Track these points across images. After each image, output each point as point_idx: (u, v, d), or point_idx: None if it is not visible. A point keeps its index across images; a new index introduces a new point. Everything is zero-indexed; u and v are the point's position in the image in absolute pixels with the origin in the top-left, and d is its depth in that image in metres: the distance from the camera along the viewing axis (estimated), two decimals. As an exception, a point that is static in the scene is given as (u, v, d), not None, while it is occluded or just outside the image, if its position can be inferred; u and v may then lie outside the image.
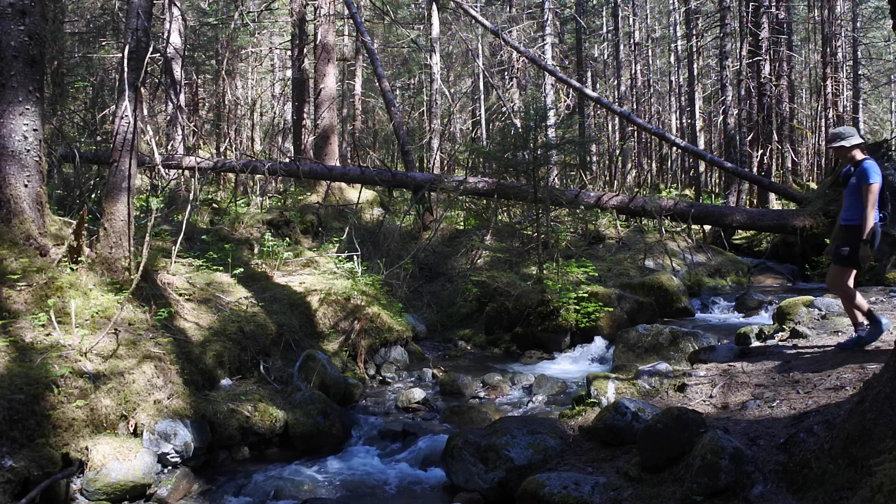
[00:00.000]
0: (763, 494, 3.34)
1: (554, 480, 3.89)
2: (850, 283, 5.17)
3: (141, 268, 5.82)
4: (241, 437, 5.34)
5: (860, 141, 5.09)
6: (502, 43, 17.43)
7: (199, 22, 20.52)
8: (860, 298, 5.24)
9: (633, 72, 26.22)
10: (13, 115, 5.65)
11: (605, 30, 29.35)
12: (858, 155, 5.11)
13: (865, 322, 5.22)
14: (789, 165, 21.32)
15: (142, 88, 6.42)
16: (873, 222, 4.94)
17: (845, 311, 5.49)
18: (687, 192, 23.68)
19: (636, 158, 26.43)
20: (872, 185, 4.88)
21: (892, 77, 34.16)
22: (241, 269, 7.95)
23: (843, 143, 5.08)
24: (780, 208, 16.04)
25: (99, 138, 12.62)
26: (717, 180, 28.07)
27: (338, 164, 14.42)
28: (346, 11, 16.33)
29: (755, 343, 6.53)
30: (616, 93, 26.46)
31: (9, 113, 5.64)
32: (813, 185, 19.41)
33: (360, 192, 12.86)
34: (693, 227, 12.41)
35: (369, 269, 9.23)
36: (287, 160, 12.97)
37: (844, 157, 5.18)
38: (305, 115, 15.55)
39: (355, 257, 9.04)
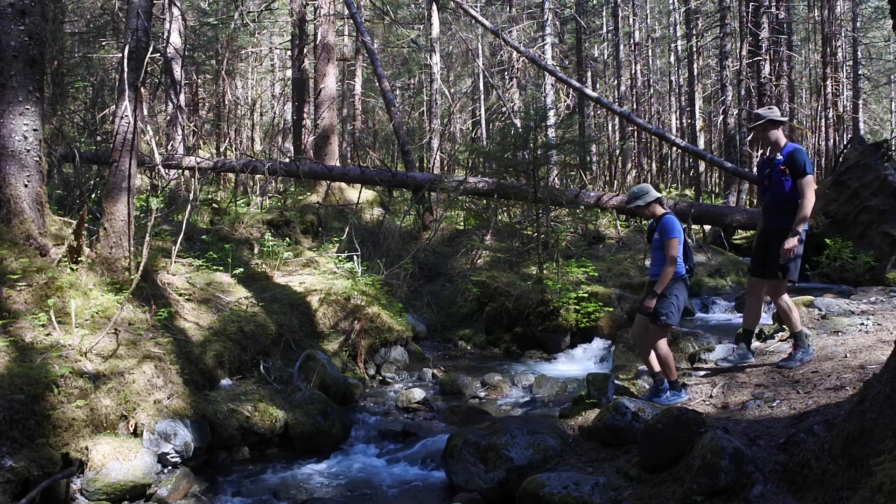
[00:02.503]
0: (763, 494, 3.34)
1: (554, 480, 3.89)
2: (664, 339, 5.19)
3: (141, 268, 5.82)
4: (241, 437, 5.34)
5: (657, 196, 5.16)
6: (502, 43, 17.43)
7: (199, 22, 20.52)
8: (669, 356, 5.17)
9: (633, 72, 26.23)
10: (13, 115, 5.64)
11: (605, 30, 29.35)
12: (658, 210, 5.17)
13: (665, 378, 5.15)
14: (789, 165, 21.28)
15: (142, 88, 6.42)
16: (679, 274, 5.03)
17: (643, 361, 5.39)
18: (687, 192, 23.70)
19: (636, 158, 26.43)
20: (673, 239, 4.97)
21: (892, 77, 34.17)
22: (241, 269, 7.95)
23: (639, 202, 5.13)
24: (780, 208, 16.00)
25: (99, 138, 12.61)
26: (717, 180, 28.09)
27: (338, 164, 14.42)
28: (346, 11, 16.32)
29: (755, 343, 6.52)
30: (616, 93, 26.47)
31: (9, 113, 5.63)
32: (813, 185, 19.38)
33: (360, 192, 12.85)
34: (693, 227, 12.41)
35: (369, 269, 9.23)
36: (287, 160, 12.97)
37: (644, 215, 5.26)
38: (305, 115, 15.54)
39: (355, 257, 9.04)
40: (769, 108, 5.24)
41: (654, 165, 28.64)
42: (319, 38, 14.41)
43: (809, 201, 4.95)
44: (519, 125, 12.75)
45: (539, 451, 4.43)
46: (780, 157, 5.06)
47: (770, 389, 4.88)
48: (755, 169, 18.13)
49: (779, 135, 5.14)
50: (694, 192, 22.54)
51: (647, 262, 11.21)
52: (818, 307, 7.02)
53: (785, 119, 5.21)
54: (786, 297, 5.22)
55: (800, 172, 4.94)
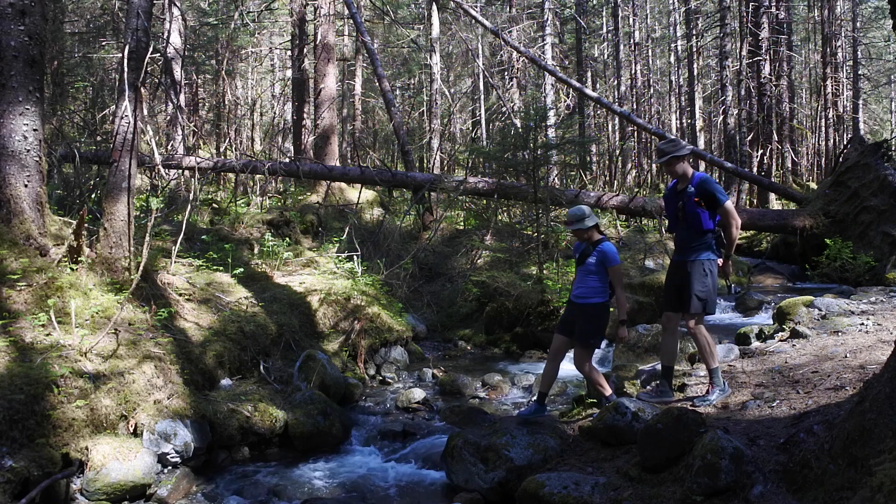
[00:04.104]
0: (763, 494, 3.34)
1: (554, 480, 3.89)
2: (593, 361, 5.13)
3: (141, 268, 5.82)
4: (241, 437, 5.34)
5: (596, 221, 5.13)
6: (502, 43, 17.42)
7: (199, 22, 20.52)
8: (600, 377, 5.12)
9: (633, 72, 26.22)
10: (13, 115, 5.65)
11: (605, 30, 29.34)
12: (596, 235, 5.14)
13: (608, 394, 5.07)
14: (789, 165, 21.33)
15: (142, 88, 6.42)
16: (605, 300, 4.99)
17: (594, 385, 5.26)
18: (687, 192, 23.62)
19: (636, 158, 26.42)
20: (618, 266, 4.97)
21: (892, 77, 34.17)
22: (241, 269, 7.95)
23: (581, 225, 5.06)
24: (780, 208, 16.05)
25: (99, 138, 12.62)
26: (717, 180, 28.03)
27: (338, 164, 14.41)
28: (346, 11, 16.32)
29: (755, 343, 6.53)
30: (616, 93, 26.45)
31: (9, 113, 5.64)
32: (813, 185, 19.41)
33: (360, 192, 12.85)
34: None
35: (369, 269, 9.23)
36: (287, 160, 12.97)
37: (582, 237, 5.20)
38: (305, 115, 15.55)
39: (355, 257, 9.04)
40: (671, 143, 5.07)
41: (654, 165, 28.61)
42: (319, 38, 14.41)
43: (735, 227, 4.87)
44: (519, 125, 12.75)
45: (539, 451, 4.43)
46: (691, 188, 4.89)
47: (770, 389, 4.88)
48: (755, 169, 18.15)
49: (685, 167, 4.99)
50: (694, 192, 22.50)
51: (648, 263, 11.25)
52: (818, 307, 7.02)
53: (688, 151, 5.04)
54: (704, 330, 5.01)
55: (717, 202, 4.84)
